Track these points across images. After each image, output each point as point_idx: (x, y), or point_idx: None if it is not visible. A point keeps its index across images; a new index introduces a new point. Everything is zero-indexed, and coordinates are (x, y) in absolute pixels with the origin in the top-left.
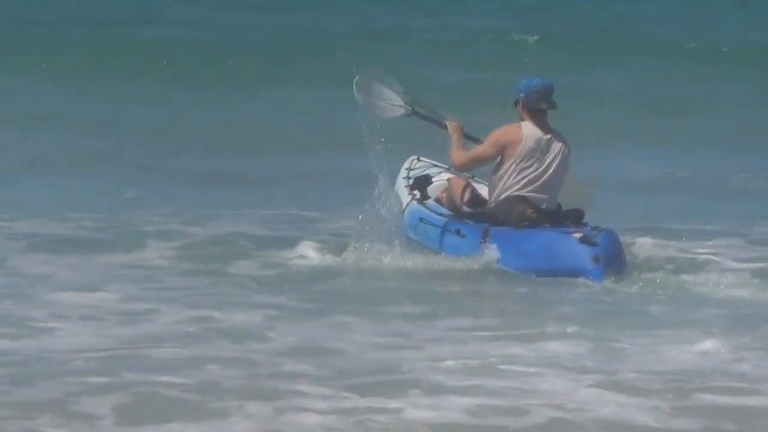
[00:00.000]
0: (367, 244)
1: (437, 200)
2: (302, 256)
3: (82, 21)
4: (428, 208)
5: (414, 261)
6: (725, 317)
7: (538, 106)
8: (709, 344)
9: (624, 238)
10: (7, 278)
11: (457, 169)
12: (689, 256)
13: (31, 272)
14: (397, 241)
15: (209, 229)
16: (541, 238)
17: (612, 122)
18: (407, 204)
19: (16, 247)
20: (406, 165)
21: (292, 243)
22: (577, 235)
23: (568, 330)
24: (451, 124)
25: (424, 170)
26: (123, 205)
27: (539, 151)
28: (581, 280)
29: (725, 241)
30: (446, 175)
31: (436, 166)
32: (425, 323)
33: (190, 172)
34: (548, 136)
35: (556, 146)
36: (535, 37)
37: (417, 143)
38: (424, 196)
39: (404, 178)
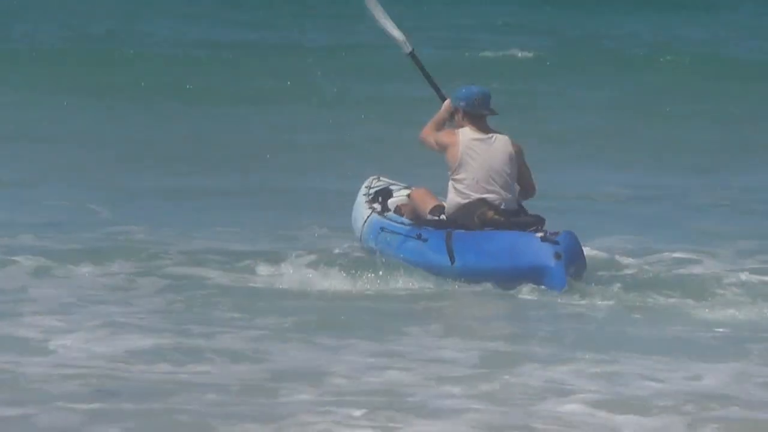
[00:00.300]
0: (346, 263)
1: (397, 211)
2: (282, 274)
3: (52, 37)
4: (389, 219)
5: (393, 278)
6: (716, 337)
7: (479, 113)
8: (705, 365)
9: (607, 254)
10: None
11: (420, 137)
12: (669, 270)
13: (5, 290)
14: (378, 260)
15: (189, 247)
16: (503, 237)
17: (595, 135)
18: (367, 217)
19: None
20: (366, 183)
21: (272, 260)
22: (539, 235)
23: (563, 351)
24: (448, 102)
25: (383, 188)
26: (99, 221)
27: (482, 152)
28: (561, 299)
29: (710, 257)
30: (406, 192)
31: (394, 185)
32: (416, 342)
33: (166, 188)
34: (488, 136)
35: (499, 145)
36: (520, 53)
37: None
38: (385, 209)
39: (364, 195)
